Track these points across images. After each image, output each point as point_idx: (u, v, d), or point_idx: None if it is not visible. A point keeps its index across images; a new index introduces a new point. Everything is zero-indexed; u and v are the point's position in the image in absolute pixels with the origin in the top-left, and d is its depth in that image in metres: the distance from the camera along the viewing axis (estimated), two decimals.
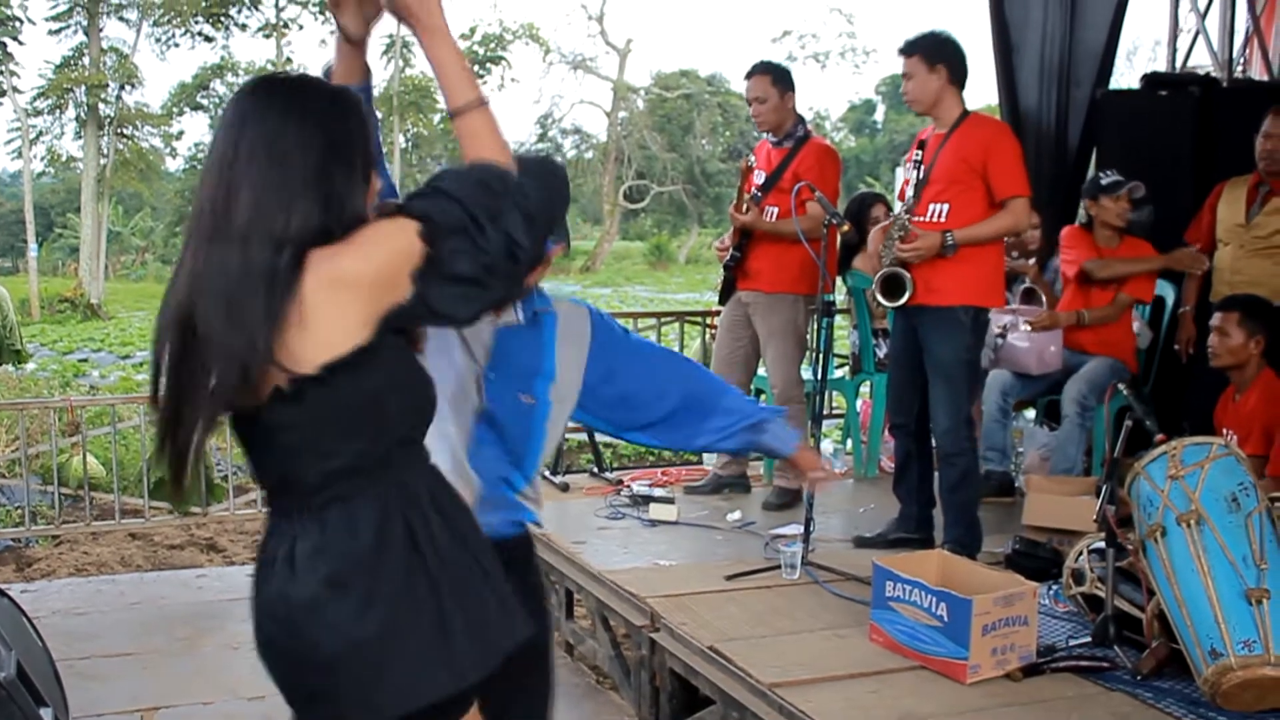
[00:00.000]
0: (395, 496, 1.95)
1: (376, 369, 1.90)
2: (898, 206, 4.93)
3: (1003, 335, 5.69)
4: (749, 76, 5.63)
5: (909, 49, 4.74)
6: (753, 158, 5.73)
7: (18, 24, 30.04)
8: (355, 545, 1.91)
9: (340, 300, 1.84)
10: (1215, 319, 4.89)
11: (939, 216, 4.68)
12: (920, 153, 4.79)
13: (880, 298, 4.78)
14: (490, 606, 2.02)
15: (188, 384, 1.87)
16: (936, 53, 4.71)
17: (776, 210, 5.50)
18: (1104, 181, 5.81)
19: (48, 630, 4.18)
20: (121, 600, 5.53)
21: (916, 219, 4.71)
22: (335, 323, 1.84)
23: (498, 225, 1.91)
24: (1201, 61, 8.17)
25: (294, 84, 1.97)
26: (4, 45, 29.83)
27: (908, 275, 4.66)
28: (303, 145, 1.86)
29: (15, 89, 31.86)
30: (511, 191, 1.95)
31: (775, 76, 5.59)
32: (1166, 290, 6.13)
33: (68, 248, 38.67)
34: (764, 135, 5.74)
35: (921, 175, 4.72)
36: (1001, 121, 4.90)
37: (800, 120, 5.66)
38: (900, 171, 4.93)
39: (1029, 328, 5.68)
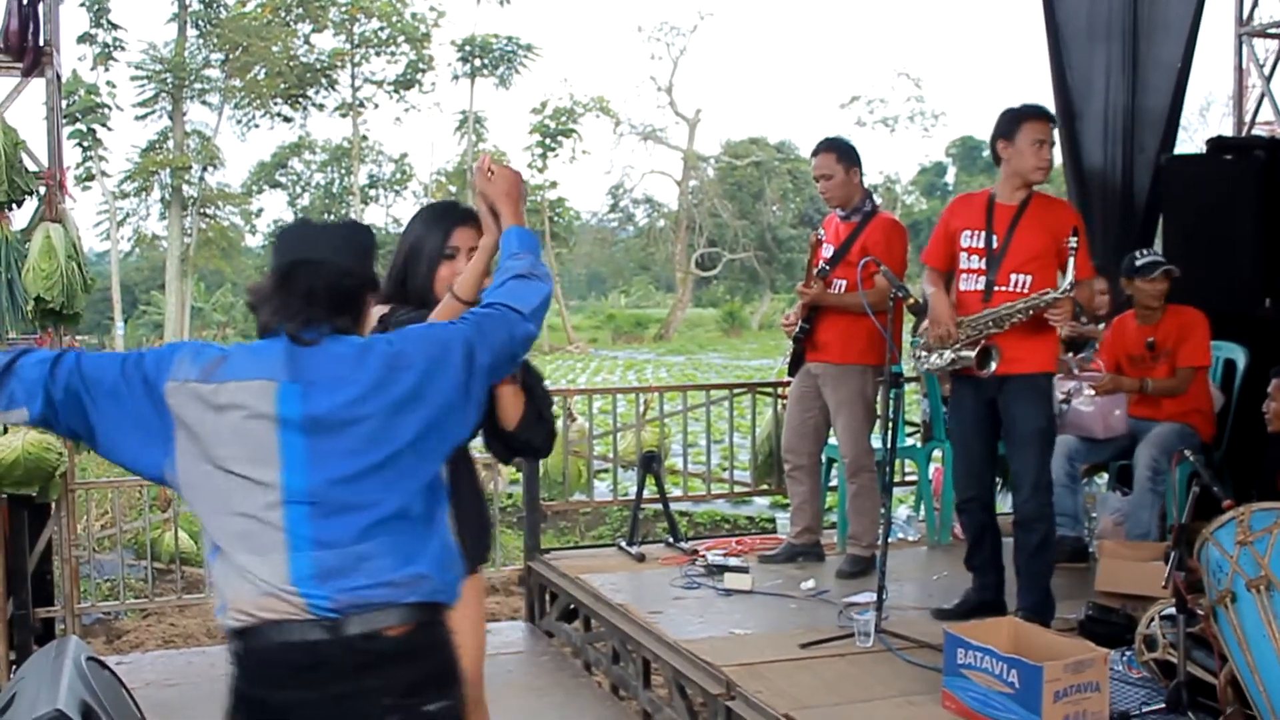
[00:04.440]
0: None
1: None
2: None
3: (1067, 401, 5.73)
4: (815, 154, 5.76)
5: (1052, 118, 4.89)
6: (822, 232, 5.84)
7: (106, 111, 31.06)
8: None
9: None
10: (1272, 385, 4.92)
11: (1023, 287, 4.77)
12: (989, 222, 4.87)
13: (977, 370, 4.81)
14: None
15: None
16: None
17: (845, 284, 5.60)
18: (1138, 263, 5.81)
19: (144, 703, 4.33)
20: (212, 671, 5.67)
21: (999, 289, 4.80)
22: None
23: None
24: (1271, 119, 8.16)
25: None
26: (94, 132, 30.83)
27: (994, 346, 4.74)
28: None
29: (104, 173, 32.93)
30: None
31: (840, 153, 5.70)
32: (1236, 353, 6.12)
33: (152, 324, 39.64)
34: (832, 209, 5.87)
35: (995, 248, 4.82)
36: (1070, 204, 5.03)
37: (868, 195, 5.78)
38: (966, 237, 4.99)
39: (1093, 392, 5.71)
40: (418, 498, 2.35)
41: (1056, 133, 4.80)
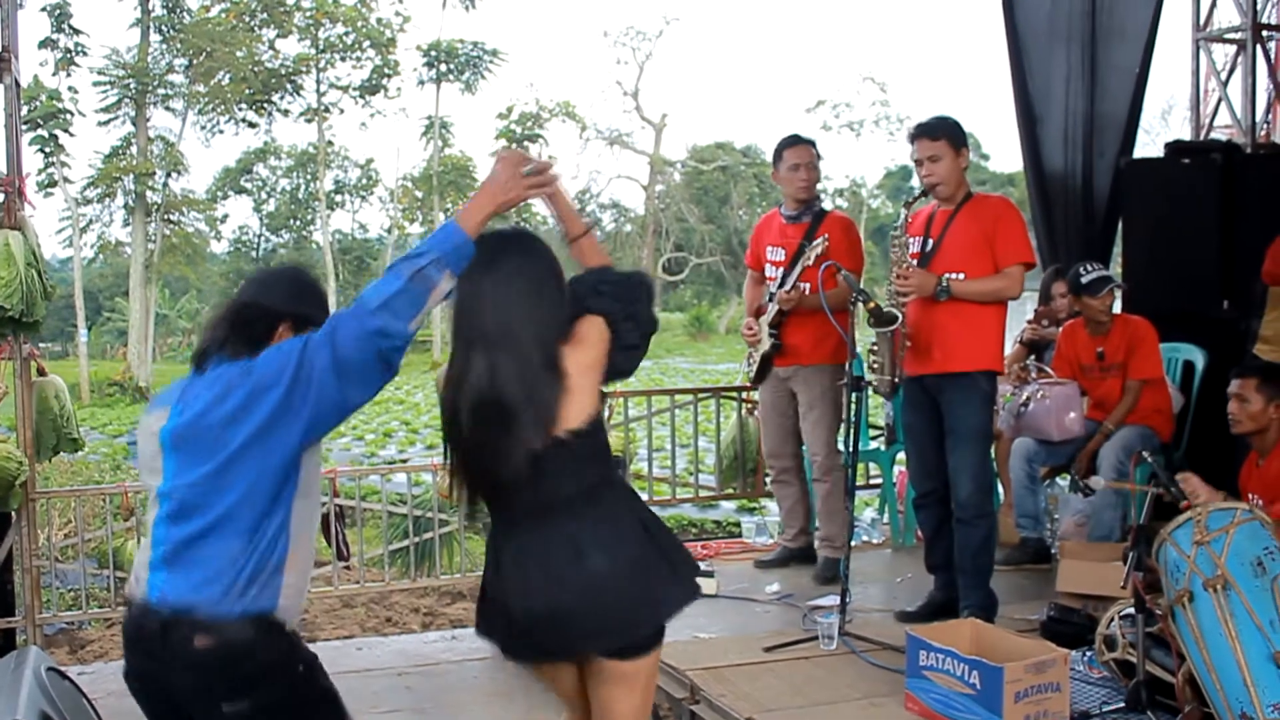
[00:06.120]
0: (627, 499, 2.89)
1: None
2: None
3: (1026, 405, 5.77)
4: (796, 144, 5.77)
5: (935, 133, 4.86)
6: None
7: (68, 116, 30.74)
8: (623, 530, 2.79)
9: (589, 379, 2.74)
10: (1234, 386, 4.89)
11: None
12: (929, 226, 4.96)
13: (870, 325, 4.88)
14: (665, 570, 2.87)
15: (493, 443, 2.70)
16: (961, 137, 4.89)
17: (808, 286, 5.56)
18: (1084, 280, 5.86)
19: (106, 712, 4.30)
20: None
21: None
22: (588, 394, 2.73)
23: (640, 311, 2.83)
24: (1230, 123, 8.24)
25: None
26: (55, 138, 30.51)
27: (898, 312, 4.81)
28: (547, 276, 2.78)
29: (66, 179, 32.57)
30: (638, 290, 2.86)
31: (816, 149, 5.80)
32: (1195, 354, 6.19)
33: (116, 331, 39.34)
34: (780, 206, 5.90)
35: (929, 249, 4.89)
36: (1006, 198, 5.08)
37: (817, 194, 5.84)
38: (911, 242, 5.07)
39: (1047, 401, 5.75)
40: (245, 505, 2.62)
41: (944, 147, 4.84)
